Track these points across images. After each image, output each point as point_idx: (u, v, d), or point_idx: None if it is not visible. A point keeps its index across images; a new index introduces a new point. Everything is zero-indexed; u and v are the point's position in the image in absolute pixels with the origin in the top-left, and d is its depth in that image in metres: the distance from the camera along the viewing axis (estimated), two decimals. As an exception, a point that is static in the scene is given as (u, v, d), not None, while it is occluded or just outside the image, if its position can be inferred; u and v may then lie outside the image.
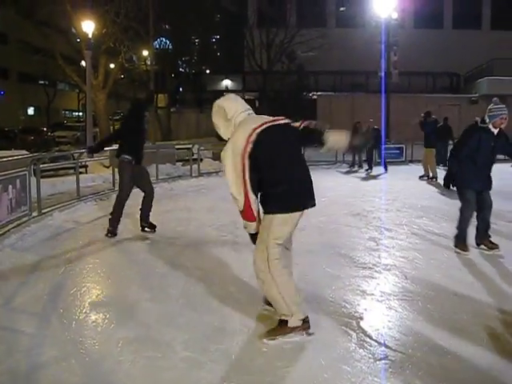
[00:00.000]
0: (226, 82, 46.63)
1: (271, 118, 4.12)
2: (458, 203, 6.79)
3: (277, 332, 3.96)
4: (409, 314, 4.57)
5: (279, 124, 4.08)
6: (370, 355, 3.79)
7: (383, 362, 3.69)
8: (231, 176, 3.96)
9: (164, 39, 41.72)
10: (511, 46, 35.91)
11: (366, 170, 17.82)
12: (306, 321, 4.01)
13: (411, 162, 20.71)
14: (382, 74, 28.58)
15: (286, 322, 3.94)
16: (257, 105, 37.76)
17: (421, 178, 15.22)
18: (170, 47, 42.14)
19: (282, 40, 36.43)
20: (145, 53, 34.62)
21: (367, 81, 38.62)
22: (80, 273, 5.81)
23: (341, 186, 13.74)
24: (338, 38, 34.33)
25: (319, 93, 36.62)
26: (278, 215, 3.93)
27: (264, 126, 3.97)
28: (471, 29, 41.01)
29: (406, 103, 30.39)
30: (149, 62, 34.51)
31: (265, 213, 4.04)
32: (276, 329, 4.00)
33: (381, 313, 4.63)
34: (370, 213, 9.60)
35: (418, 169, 17.32)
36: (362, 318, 4.47)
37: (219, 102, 4.12)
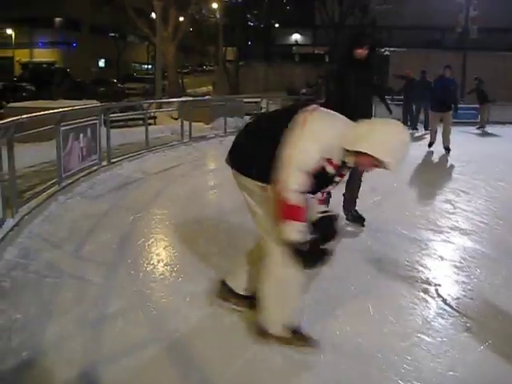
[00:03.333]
0: (296, 36, 45.72)
1: None
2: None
3: None
4: (492, 284, 4.25)
5: None
6: (451, 326, 3.52)
7: (465, 334, 3.41)
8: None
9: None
10: None
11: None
12: None
13: (487, 123, 19.73)
14: (460, 30, 27.18)
15: None
16: (327, 60, 36.88)
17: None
18: (240, 0, 41.51)
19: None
20: (214, 5, 34.18)
21: (443, 37, 36.88)
22: (148, 224, 5.76)
23: (413, 148, 12.99)
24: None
25: (392, 49, 35.26)
26: None
27: None
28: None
29: (485, 62, 28.86)
30: (218, 15, 34.12)
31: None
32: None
33: (461, 281, 4.31)
34: (444, 175, 9.16)
35: (494, 131, 16.55)
36: (440, 285, 4.19)
37: None
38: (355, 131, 2.80)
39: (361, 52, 5.37)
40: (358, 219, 5.72)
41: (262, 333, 3.16)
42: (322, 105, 3.09)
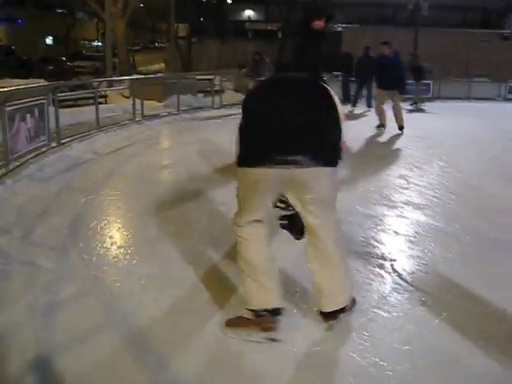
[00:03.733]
0: (249, 12, 45.34)
1: None
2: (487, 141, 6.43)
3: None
4: (446, 258, 4.32)
5: None
6: (407, 301, 3.56)
7: (421, 308, 3.45)
8: None
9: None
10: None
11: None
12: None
13: (438, 98, 20.09)
14: (412, 6, 27.44)
15: None
16: (280, 36, 36.72)
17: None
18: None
19: (308, -33, 34.96)
20: (165, -20, 33.46)
21: (395, 14, 37.17)
22: (100, 205, 5.62)
23: (361, 125, 12.65)
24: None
25: (344, 25, 35.35)
26: None
27: None
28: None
29: (436, 38, 29.28)
30: (169, -9, 33.41)
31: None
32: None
33: (415, 255, 4.36)
34: (397, 151, 9.26)
35: (446, 106, 16.81)
36: (395, 260, 4.23)
37: None
38: None
39: (319, 23, 5.36)
40: None
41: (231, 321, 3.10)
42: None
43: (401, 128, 11.18)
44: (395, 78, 10.98)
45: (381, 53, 11.78)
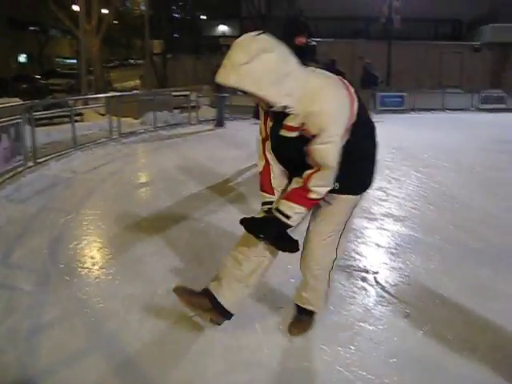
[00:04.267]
0: (223, 28, 45.49)
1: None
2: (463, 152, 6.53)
3: (306, 326, 3.32)
4: (427, 269, 4.35)
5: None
6: (391, 313, 3.57)
7: (405, 320, 3.47)
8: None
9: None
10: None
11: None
12: None
13: (413, 110, 20.37)
14: (384, 20, 27.83)
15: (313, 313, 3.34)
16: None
17: None
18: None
19: (281, -18, 35.27)
20: (139, -3, 33.57)
21: (368, 27, 37.61)
22: (80, 225, 5.56)
23: None
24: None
25: (318, 39, 35.66)
26: (357, 197, 3.10)
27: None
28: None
29: (408, 50, 29.72)
30: (143, 7, 33.48)
31: (349, 193, 3.01)
32: (307, 322, 3.34)
33: (397, 267, 4.39)
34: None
35: (420, 117, 17.02)
36: (378, 273, 4.26)
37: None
38: None
39: (301, 39, 5.44)
40: None
41: None
42: None
43: None
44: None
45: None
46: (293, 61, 2.68)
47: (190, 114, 15.76)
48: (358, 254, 4.69)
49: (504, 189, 7.38)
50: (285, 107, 2.63)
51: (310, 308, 3.25)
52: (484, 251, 4.81)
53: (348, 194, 2.99)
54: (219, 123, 15.14)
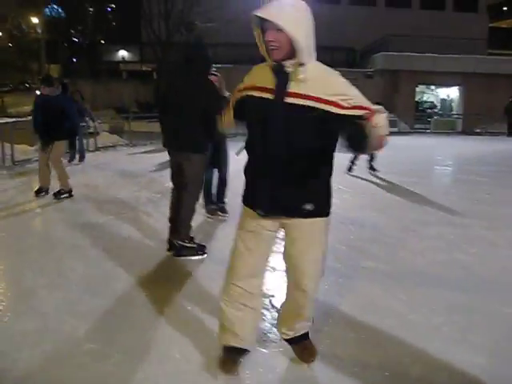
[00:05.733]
0: (123, 53, 45.08)
1: None
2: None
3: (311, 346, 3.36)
4: (321, 290, 4.43)
5: None
6: (286, 335, 3.63)
7: (299, 341, 3.54)
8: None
9: (56, 6, 39.45)
10: (404, 23, 37.26)
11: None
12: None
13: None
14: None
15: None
16: (155, 77, 36.76)
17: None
18: (63, 15, 39.93)
19: (180, 9, 35.47)
20: (35, 20, 32.58)
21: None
22: (-35, 259, 5.26)
23: None
24: (236, 9, 33.91)
25: (218, 65, 36.08)
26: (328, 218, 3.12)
27: None
28: (366, 5, 41.92)
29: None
30: (39, 30, 32.56)
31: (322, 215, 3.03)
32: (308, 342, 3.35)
33: (293, 289, 4.48)
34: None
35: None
36: (273, 296, 4.33)
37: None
38: None
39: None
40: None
41: None
42: None
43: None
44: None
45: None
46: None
47: (88, 141, 15.39)
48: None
49: (392, 208, 7.76)
50: (301, 64, 2.71)
51: (304, 331, 3.31)
52: (373, 270, 5.02)
53: (321, 216, 2.99)
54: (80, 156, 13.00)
